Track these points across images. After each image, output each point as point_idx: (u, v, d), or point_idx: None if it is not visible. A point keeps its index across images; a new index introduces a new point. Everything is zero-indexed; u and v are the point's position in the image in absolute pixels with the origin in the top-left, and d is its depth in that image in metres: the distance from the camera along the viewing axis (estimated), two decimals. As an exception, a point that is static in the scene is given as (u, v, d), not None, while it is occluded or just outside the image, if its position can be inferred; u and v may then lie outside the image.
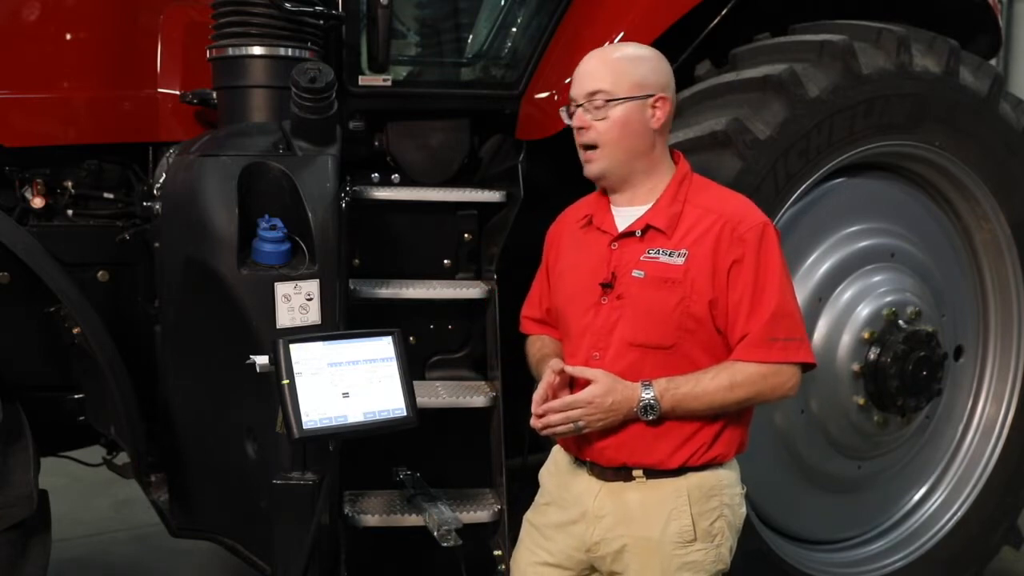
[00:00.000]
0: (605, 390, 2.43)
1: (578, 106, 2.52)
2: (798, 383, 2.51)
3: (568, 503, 2.62)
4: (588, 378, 2.46)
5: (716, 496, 2.52)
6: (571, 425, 2.46)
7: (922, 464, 4.14)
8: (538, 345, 2.78)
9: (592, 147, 2.52)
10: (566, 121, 2.58)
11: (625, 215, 2.56)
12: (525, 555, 2.70)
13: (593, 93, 2.49)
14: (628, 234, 2.53)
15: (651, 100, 2.51)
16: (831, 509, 3.96)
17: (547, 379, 2.51)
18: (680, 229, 2.48)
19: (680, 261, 2.45)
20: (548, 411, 2.47)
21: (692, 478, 2.50)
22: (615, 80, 2.49)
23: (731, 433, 2.53)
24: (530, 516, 2.74)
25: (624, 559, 2.53)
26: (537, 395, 2.51)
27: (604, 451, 2.52)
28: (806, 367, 2.53)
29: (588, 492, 2.57)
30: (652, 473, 2.50)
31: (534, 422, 2.50)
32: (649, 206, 2.54)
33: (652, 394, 2.42)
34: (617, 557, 2.54)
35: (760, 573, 3.61)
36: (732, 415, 2.52)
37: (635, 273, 2.48)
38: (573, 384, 2.53)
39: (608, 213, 2.60)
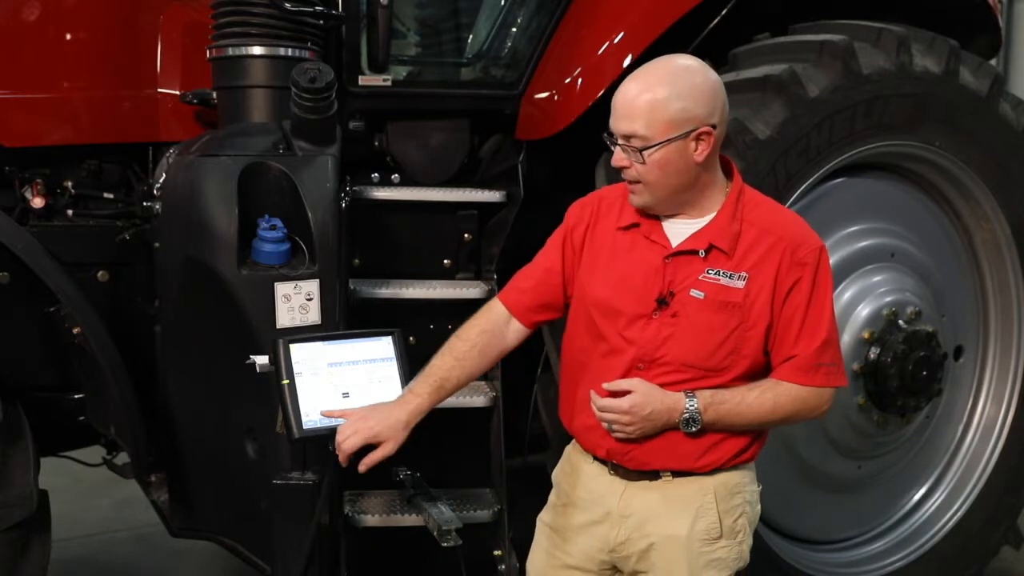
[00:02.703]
0: (644, 399, 2.38)
1: (615, 144, 2.40)
2: (830, 407, 2.51)
3: (589, 504, 2.57)
4: (625, 389, 2.40)
5: (739, 493, 2.51)
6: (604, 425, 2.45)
7: (922, 464, 4.14)
8: (491, 323, 2.62)
9: (634, 182, 2.42)
10: (609, 145, 2.45)
11: (677, 228, 2.46)
12: (543, 557, 2.67)
13: (628, 136, 2.35)
14: (689, 252, 2.43)
15: (692, 136, 2.34)
16: (831, 509, 3.96)
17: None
18: (739, 249, 2.41)
19: (741, 284, 2.39)
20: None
21: (717, 476, 2.49)
22: (648, 123, 2.33)
23: (761, 440, 2.54)
24: (545, 518, 2.70)
25: (650, 558, 2.50)
26: None
27: (636, 455, 2.48)
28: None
29: (611, 492, 2.53)
30: (678, 473, 2.48)
31: None
32: (702, 221, 2.44)
33: (696, 406, 2.38)
34: (643, 556, 2.51)
35: (760, 573, 3.60)
36: None
37: (694, 293, 2.40)
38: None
39: (657, 223, 2.48)
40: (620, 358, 2.45)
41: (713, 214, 2.45)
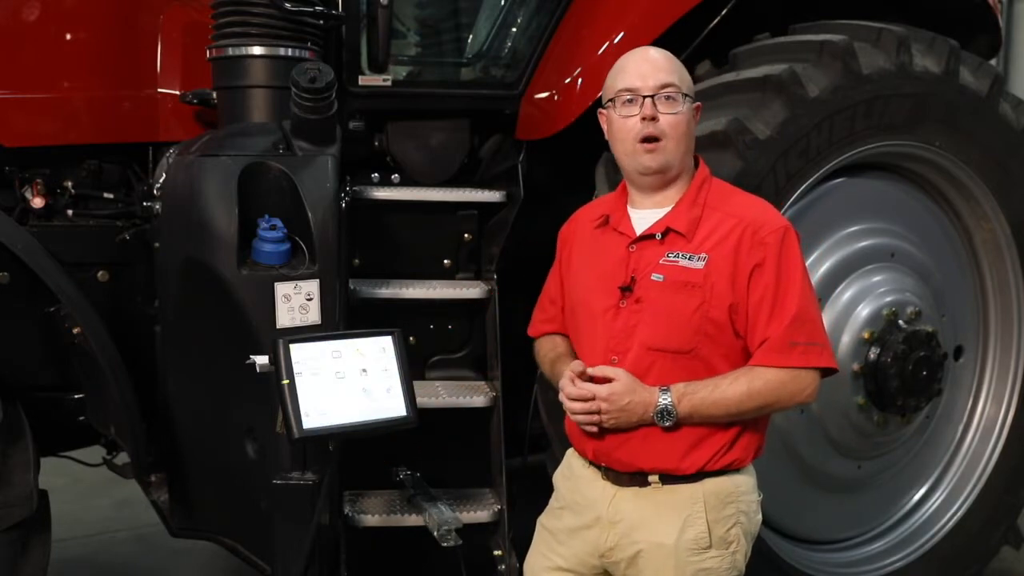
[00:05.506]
0: (624, 389, 2.41)
1: (645, 97, 2.44)
2: (816, 390, 2.48)
3: (582, 508, 2.59)
4: (609, 376, 2.43)
5: (732, 503, 2.50)
6: (594, 416, 2.45)
7: (922, 464, 4.13)
8: (549, 345, 2.75)
9: (655, 139, 2.45)
10: (614, 114, 2.50)
11: (643, 217, 2.53)
12: (538, 559, 2.68)
13: (666, 85, 2.45)
14: (647, 237, 2.49)
15: (695, 105, 2.54)
16: (831, 509, 3.96)
17: (566, 380, 2.50)
18: (700, 233, 2.46)
19: (700, 265, 2.42)
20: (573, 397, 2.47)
21: (708, 484, 2.48)
22: (680, 78, 2.49)
23: (749, 438, 2.51)
24: (544, 520, 2.72)
25: (638, 565, 2.51)
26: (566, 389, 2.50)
27: (620, 455, 2.49)
28: (826, 372, 2.50)
29: (603, 497, 2.54)
30: (668, 479, 2.48)
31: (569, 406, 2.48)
32: (668, 209, 2.51)
33: (669, 399, 2.40)
34: (631, 563, 2.52)
35: (760, 573, 3.60)
36: (750, 420, 2.49)
37: (654, 276, 2.45)
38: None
39: (625, 214, 2.56)
40: (595, 351, 2.51)
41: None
